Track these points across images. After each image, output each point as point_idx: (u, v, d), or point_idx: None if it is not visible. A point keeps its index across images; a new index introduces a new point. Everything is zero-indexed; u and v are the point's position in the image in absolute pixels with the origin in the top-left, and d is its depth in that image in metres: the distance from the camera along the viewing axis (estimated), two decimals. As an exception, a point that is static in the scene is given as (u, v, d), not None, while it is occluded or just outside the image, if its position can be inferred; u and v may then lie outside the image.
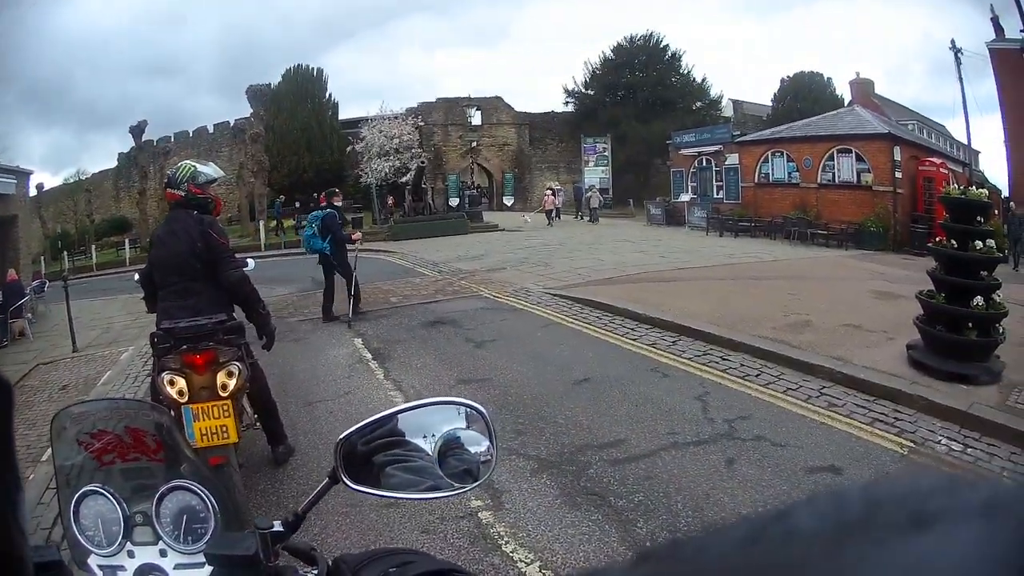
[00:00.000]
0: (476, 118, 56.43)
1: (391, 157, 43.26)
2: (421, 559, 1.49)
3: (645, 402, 8.40)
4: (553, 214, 41.46)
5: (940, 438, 7.25)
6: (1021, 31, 12.59)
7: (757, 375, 9.36)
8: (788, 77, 54.92)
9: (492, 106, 57.20)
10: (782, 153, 33.27)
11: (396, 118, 45.72)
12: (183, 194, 6.30)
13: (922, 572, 0.36)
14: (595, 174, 51.50)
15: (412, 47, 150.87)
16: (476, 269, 20.20)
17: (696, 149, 38.56)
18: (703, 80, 56.63)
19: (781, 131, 35.60)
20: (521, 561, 5.09)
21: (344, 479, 1.58)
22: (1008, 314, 9.07)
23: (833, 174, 30.85)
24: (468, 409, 1.61)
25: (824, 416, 7.84)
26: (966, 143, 34.88)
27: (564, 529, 5.51)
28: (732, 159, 35.98)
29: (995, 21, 33.96)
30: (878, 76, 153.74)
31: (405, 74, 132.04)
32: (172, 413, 5.00)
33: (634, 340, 11.52)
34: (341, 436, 1.60)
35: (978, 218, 9.02)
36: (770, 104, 54.80)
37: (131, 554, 1.59)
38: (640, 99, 53.91)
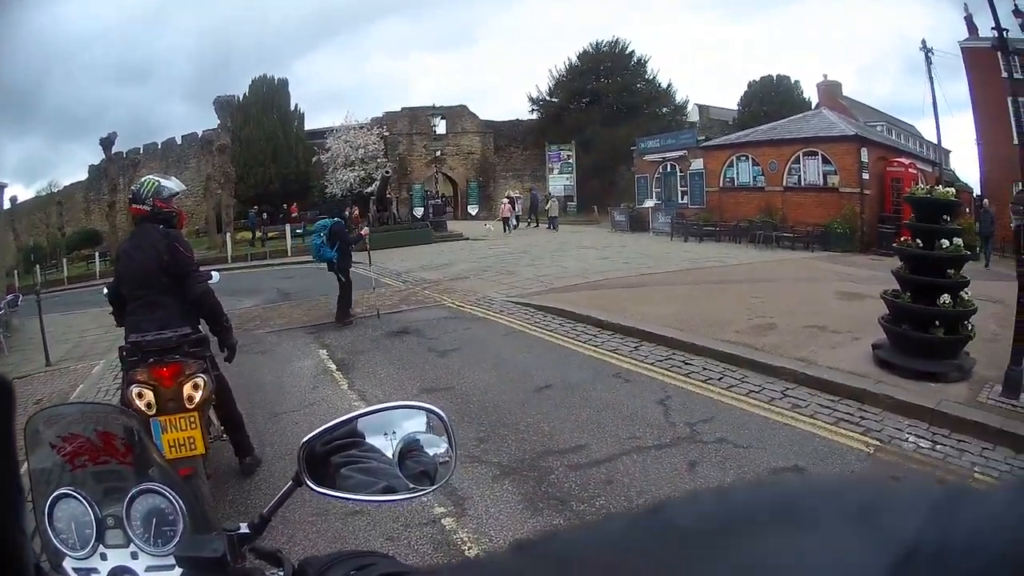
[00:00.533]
0: (441, 127, 56.56)
1: (356, 167, 43.79)
2: (383, 562, 1.48)
3: (606, 407, 8.37)
4: (512, 222, 41.63)
5: (907, 436, 7.22)
6: (993, 30, 12.57)
7: (720, 378, 9.34)
8: (755, 81, 55.13)
9: (457, 114, 57.36)
10: (747, 157, 33.36)
11: (361, 128, 46.30)
12: (149, 208, 6.31)
13: (790, 571, 0.38)
14: (560, 181, 52.26)
15: (378, 53, 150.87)
16: (440, 279, 20.25)
17: (661, 155, 38.70)
18: (669, 85, 57.06)
19: (746, 135, 35.71)
20: None
21: (307, 482, 1.57)
22: (977, 311, 9.04)
23: (799, 177, 30.94)
24: (428, 413, 1.61)
25: (787, 417, 7.82)
26: (936, 143, 35.05)
27: (526, 534, 5.20)
28: (697, 164, 36.12)
29: (968, 20, 34.27)
30: (848, 77, 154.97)
31: (371, 82, 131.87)
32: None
33: (596, 346, 11.54)
34: (304, 439, 1.59)
35: (944, 217, 8.99)
36: (736, 108, 55.00)
37: (104, 556, 1.59)
38: (605, 105, 54.17)
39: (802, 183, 30.77)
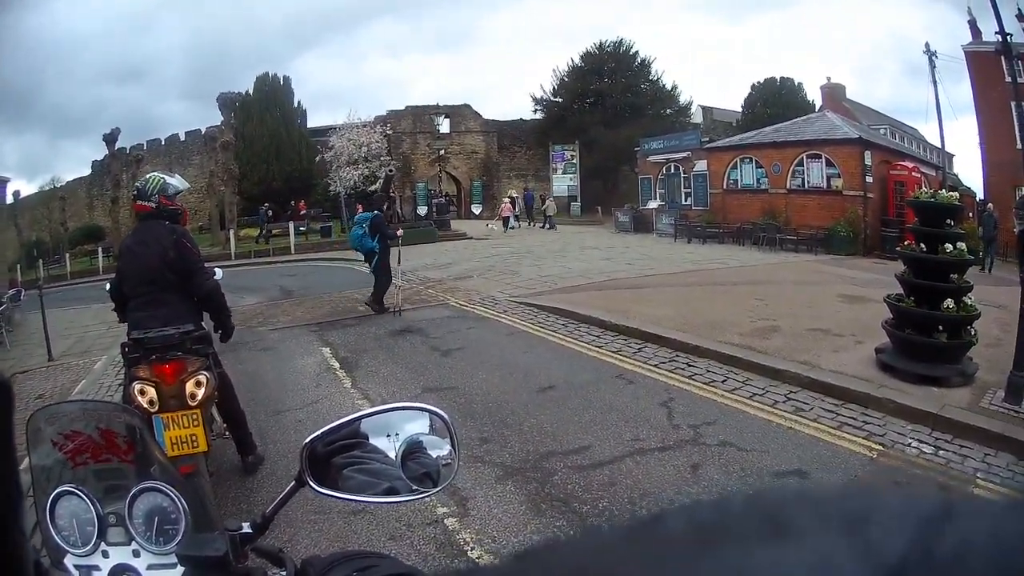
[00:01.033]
0: (444, 126, 56.34)
1: (360, 165, 43.36)
2: (386, 563, 1.50)
3: (610, 409, 8.34)
4: (511, 221, 41.79)
5: (910, 441, 7.20)
6: (997, 34, 12.61)
7: (723, 381, 9.33)
8: (759, 82, 54.83)
9: (460, 114, 57.25)
10: (751, 159, 33.30)
11: (365, 126, 45.82)
12: (154, 206, 6.32)
13: None
14: (563, 181, 52.24)
15: (379, 53, 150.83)
16: (443, 278, 20.22)
17: (664, 156, 38.66)
18: (673, 87, 56.71)
19: (750, 137, 35.60)
20: None
21: (309, 482, 1.58)
22: (980, 316, 9.01)
23: (803, 179, 30.84)
24: (431, 415, 1.62)
25: (791, 421, 7.81)
26: (939, 146, 34.99)
27: (529, 535, 5.52)
28: (701, 165, 36.01)
29: (972, 24, 34.19)
30: (851, 80, 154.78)
31: (373, 80, 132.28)
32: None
33: (600, 347, 11.50)
34: (307, 439, 1.59)
35: (948, 221, 8.98)
36: (740, 110, 54.83)
37: (105, 554, 1.59)
38: (609, 105, 53.84)
39: (805, 186, 30.73)
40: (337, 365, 11.44)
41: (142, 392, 5.55)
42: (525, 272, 21.05)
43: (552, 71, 69.85)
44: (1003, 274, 21.15)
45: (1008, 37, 13.73)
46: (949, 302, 8.71)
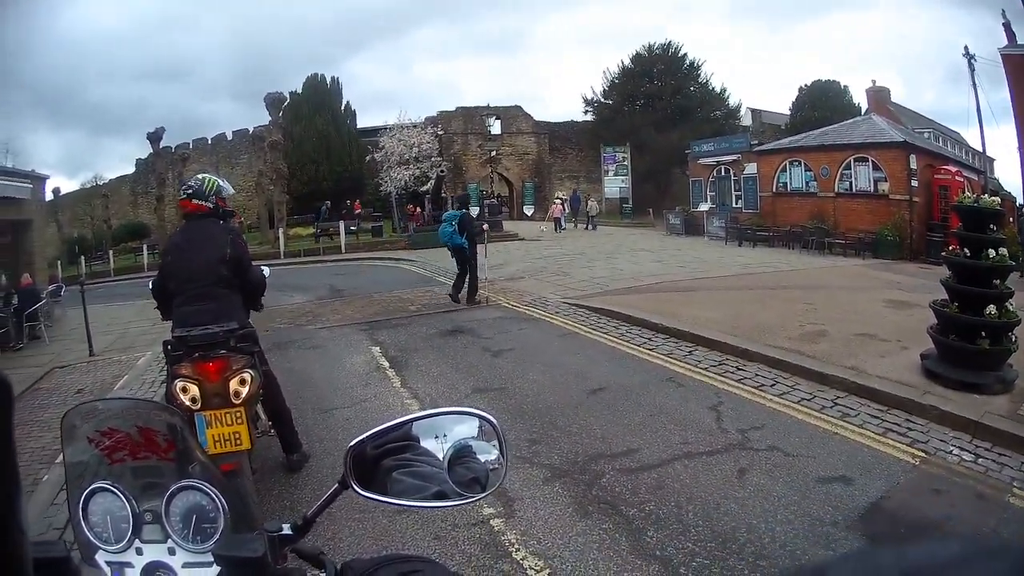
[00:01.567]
0: (495, 127, 56.42)
1: (411, 166, 43.28)
2: (430, 568, 1.48)
3: (659, 412, 8.34)
4: (562, 222, 41.83)
5: (952, 448, 7.18)
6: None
7: (772, 385, 9.32)
8: (805, 85, 54.64)
9: (511, 115, 57.24)
10: (800, 162, 33.16)
11: (415, 127, 45.79)
12: (211, 205, 6.48)
13: None
14: (615, 183, 51.94)
15: (428, 56, 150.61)
16: (495, 278, 19.82)
17: (715, 158, 38.43)
18: (722, 89, 56.55)
19: (799, 140, 35.47)
20: (531, 569, 5.09)
21: (353, 485, 1.57)
22: (1021, 322, 8.93)
23: (850, 183, 30.68)
24: (480, 420, 1.59)
25: (837, 426, 7.79)
26: (981, 150, 34.61)
27: (575, 537, 5.49)
28: (750, 168, 35.89)
29: (1007, 27, 33.75)
30: (895, 83, 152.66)
31: (422, 83, 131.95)
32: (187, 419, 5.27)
33: (650, 350, 11.47)
34: (352, 442, 1.59)
35: (991, 226, 8.99)
36: (788, 112, 54.48)
37: (139, 551, 1.59)
38: (659, 108, 53.64)
39: (853, 189, 30.68)
40: (387, 364, 11.46)
41: (184, 390, 5.59)
42: (577, 274, 20.99)
43: (602, 73, 70.21)
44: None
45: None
46: (992, 308, 8.69)
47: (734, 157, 37.12)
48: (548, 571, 5.05)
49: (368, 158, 47.08)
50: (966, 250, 9.05)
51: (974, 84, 32.17)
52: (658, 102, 54.23)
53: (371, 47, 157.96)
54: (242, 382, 5.69)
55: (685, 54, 56.23)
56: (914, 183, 28.21)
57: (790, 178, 33.66)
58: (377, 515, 5.68)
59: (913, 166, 28.34)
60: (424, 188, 42.28)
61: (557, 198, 45.63)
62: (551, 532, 5.60)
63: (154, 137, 49.96)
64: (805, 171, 32.74)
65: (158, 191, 49.51)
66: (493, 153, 51.38)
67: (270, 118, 44.74)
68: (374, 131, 49.00)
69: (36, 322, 19.79)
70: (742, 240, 31.74)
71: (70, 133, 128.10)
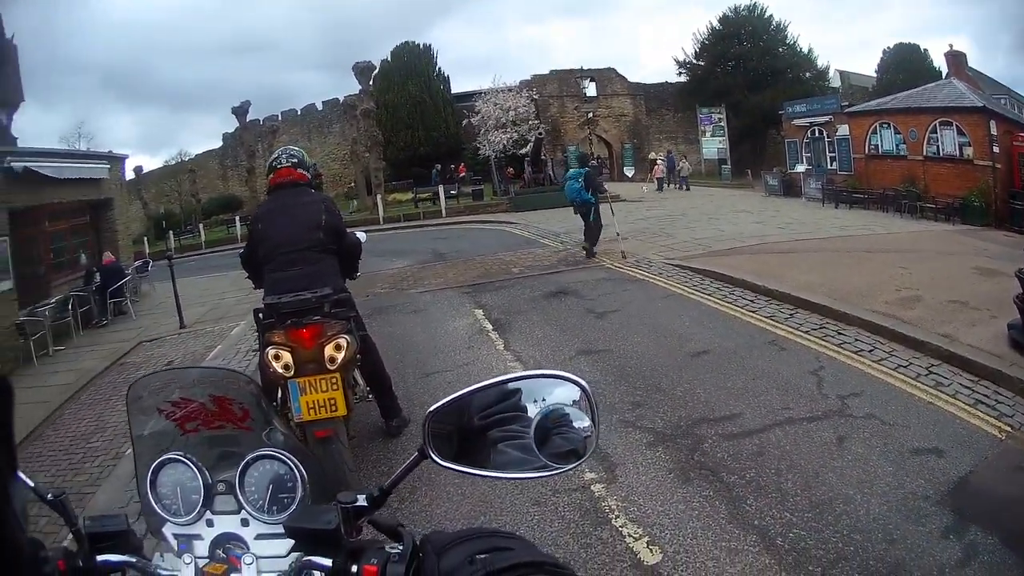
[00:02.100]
0: (591, 89, 56.06)
1: (508, 129, 43.40)
2: (516, 546, 1.40)
3: (762, 376, 8.34)
4: (665, 182, 42.11)
5: None
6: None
7: (870, 351, 9.18)
8: (889, 47, 53.69)
9: (606, 77, 56.91)
10: (889, 124, 32.61)
11: (510, 91, 45.95)
12: (311, 175, 6.79)
13: None
14: (712, 144, 51.54)
15: (519, 18, 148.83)
16: (599, 239, 18.91)
17: (808, 119, 37.91)
18: (809, 50, 55.49)
19: (886, 102, 34.82)
20: (630, 536, 5.09)
21: (431, 454, 1.50)
22: None
23: (937, 147, 30.03)
24: (571, 383, 1.48)
25: (931, 395, 7.63)
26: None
27: (675, 504, 5.47)
28: (843, 130, 35.33)
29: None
30: (968, 48, 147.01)
31: (515, 46, 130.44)
32: (279, 387, 5.65)
33: (753, 312, 11.46)
34: (430, 409, 1.52)
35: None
36: (874, 75, 53.49)
37: (210, 523, 1.59)
38: (749, 69, 52.95)
39: (940, 153, 29.96)
40: (490, 327, 11.53)
41: (277, 357, 5.53)
42: (679, 235, 20.83)
43: (692, 34, 69.30)
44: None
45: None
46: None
47: (826, 118, 36.58)
48: (647, 539, 5.05)
49: (464, 122, 47.18)
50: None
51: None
52: (748, 63, 53.49)
53: (460, 11, 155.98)
54: (337, 347, 5.64)
55: (770, 16, 55.39)
56: (996, 149, 27.61)
57: (881, 140, 33.10)
58: (477, 480, 5.86)
59: (993, 132, 27.74)
60: (523, 151, 42.35)
61: (659, 159, 45.53)
62: (652, 498, 5.60)
63: (240, 111, 51.19)
64: (895, 134, 32.18)
65: (248, 163, 50.82)
66: (590, 115, 50.90)
67: (360, 87, 44.89)
68: (468, 96, 49.32)
69: (121, 298, 20.11)
70: (838, 202, 31.22)
71: (149, 112, 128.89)
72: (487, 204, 38.98)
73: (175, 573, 1.49)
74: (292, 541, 1.43)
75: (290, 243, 6.16)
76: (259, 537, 1.54)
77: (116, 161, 25.03)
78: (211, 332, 14.99)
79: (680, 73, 58.73)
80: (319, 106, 60.86)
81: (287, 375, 5.51)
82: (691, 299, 12.71)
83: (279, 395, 5.71)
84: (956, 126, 29.18)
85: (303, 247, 6.15)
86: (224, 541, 1.55)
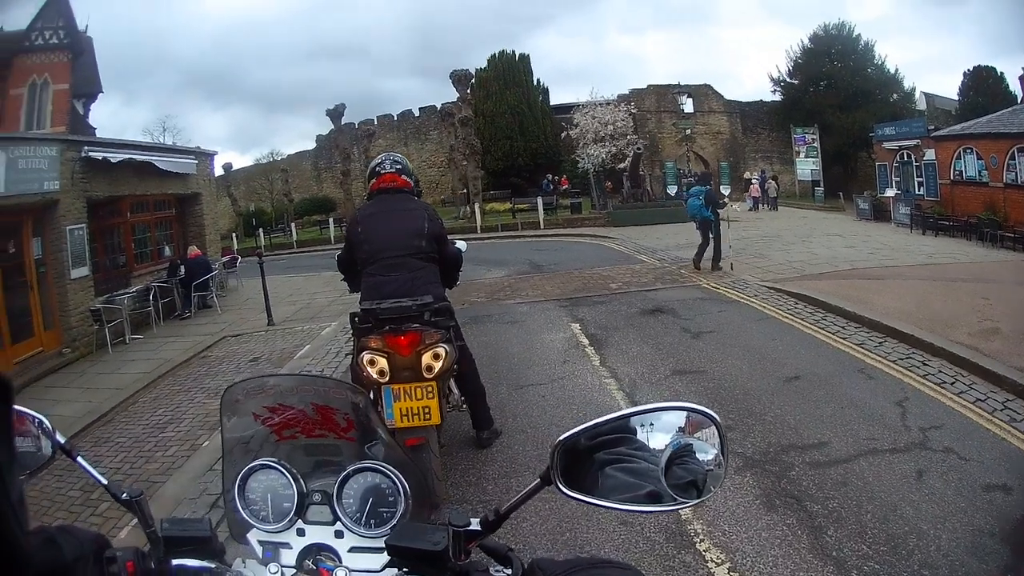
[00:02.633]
0: (688, 105, 55.52)
1: (606, 143, 43.39)
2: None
3: (850, 404, 8.25)
4: (760, 202, 42.06)
5: None
6: None
7: (952, 383, 9.01)
8: (968, 70, 52.12)
9: (702, 93, 56.32)
10: (972, 149, 32.10)
11: (608, 104, 45.83)
12: (413, 182, 6.65)
13: None
14: (806, 165, 50.83)
15: (617, 28, 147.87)
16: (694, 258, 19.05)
17: (896, 143, 37.45)
18: (895, 71, 54.42)
19: (968, 127, 34.13)
20: (712, 561, 5.06)
21: (559, 484, 1.42)
22: None
23: (1016, 173, 29.61)
24: (701, 416, 1.43)
25: (1005, 431, 7.48)
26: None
27: (759, 532, 5.44)
28: (929, 154, 34.84)
29: None
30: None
31: (611, 56, 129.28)
32: (372, 393, 5.36)
33: (844, 339, 11.32)
34: (562, 436, 1.43)
35: None
36: (956, 98, 52.61)
37: (301, 532, 1.56)
38: (840, 89, 52.01)
39: (1018, 180, 29.42)
40: (586, 342, 11.46)
41: (372, 362, 5.43)
42: (774, 256, 20.85)
43: (785, 51, 68.70)
44: None
45: None
46: None
47: (914, 142, 36.18)
48: (729, 564, 5.02)
49: (564, 135, 47.00)
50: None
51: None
52: (839, 83, 52.52)
53: (556, 20, 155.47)
54: (435, 356, 5.50)
55: (859, 35, 54.48)
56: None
57: (964, 166, 32.62)
58: (560, 497, 4.48)
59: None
60: (621, 165, 42.11)
61: (753, 179, 45.64)
62: (737, 524, 5.55)
63: (335, 114, 50.87)
64: (977, 159, 31.71)
65: (343, 166, 50.24)
66: (688, 132, 50.97)
67: (457, 95, 44.86)
68: (567, 108, 49.25)
69: (207, 292, 20.16)
70: (925, 228, 30.34)
71: (238, 111, 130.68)
72: (584, 217, 38.58)
73: None
74: (387, 557, 1.44)
75: (391, 249, 6.08)
76: (353, 550, 1.54)
77: (205, 157, 25.51)
78: (300, 331, 15.04)
79: (774, 91, 58.01)
80: (416, 112, 60.71)
81: (381, 381, 5.45)
82: (784, 322, 12.67)
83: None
84: (1034, 152, 28.16)
85: (405, 254, 6.07)
86: (314, 552, 1.56)
